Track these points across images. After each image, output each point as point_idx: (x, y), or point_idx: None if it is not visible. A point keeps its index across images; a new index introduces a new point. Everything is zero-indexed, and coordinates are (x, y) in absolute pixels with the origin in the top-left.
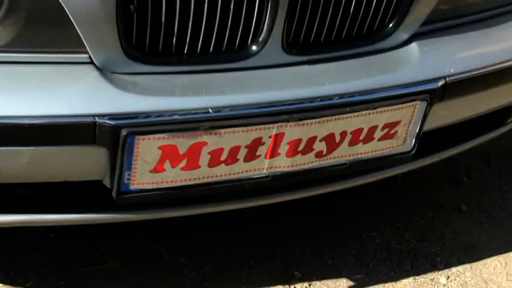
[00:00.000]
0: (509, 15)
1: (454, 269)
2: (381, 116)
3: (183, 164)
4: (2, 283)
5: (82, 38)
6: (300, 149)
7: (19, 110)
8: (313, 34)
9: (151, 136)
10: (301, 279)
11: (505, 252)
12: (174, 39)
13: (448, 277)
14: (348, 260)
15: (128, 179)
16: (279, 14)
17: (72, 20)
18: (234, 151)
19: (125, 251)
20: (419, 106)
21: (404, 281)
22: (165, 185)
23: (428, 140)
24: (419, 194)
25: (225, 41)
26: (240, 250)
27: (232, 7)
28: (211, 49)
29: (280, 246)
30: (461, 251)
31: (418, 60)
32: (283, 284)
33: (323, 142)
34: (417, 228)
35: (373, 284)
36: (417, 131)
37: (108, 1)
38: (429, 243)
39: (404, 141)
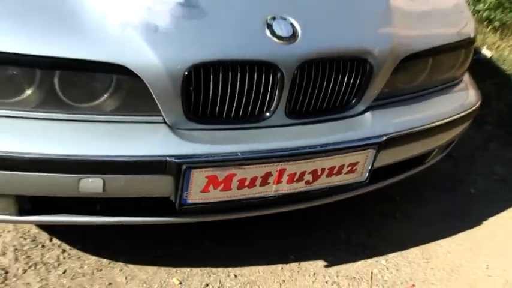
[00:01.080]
0: (428, 95)
1: (390, 255)
2: (346, 159)
3: (221, 187)
4: (106, 258)
5: (159, 107)
6: (295, 178)
7: (119, 152)
8: (305, 106)
9: (201, 169)
10: (294, 260)
11: (422, 244)
12: (217, 108)
13: (387, 260)
14: (324, 248)
15: (186, 196)
16: (283, 94)
17: (154, 96)
18: (253, 179)
19: (186, 241)
20: (371, 153)
21: (359, 262)
22: (209, 201)
23: (377, 173)
24: (369, 206)
25: (249, 110)
26: (252, 243)
27: (254, 91)
28: (240, 115)
29: (278, 241)
30: (395, 243)
31: (371, 123)
32: (281, 263)
33: (310, 174)
34: (367, 229)
35: (339, 264)
36: (370, 168)
37: (176, 85)
38: (375, 238)
39: (361, 174)
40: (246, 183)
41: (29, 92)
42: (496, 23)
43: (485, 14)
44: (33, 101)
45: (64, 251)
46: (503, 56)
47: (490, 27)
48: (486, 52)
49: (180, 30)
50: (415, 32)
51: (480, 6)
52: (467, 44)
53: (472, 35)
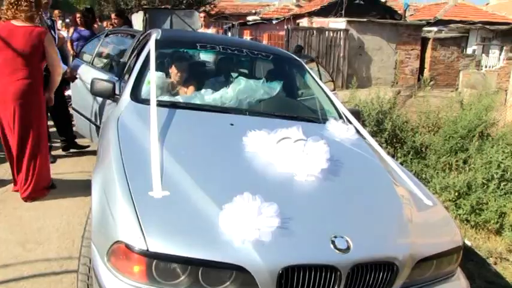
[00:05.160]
0: (434, 283)
1: None
2: None
3: None
4: None
5: None
6: None
7: None
8: None
9: None
10: None
11: None
12: None
13: None
14: None
15: None
16: (341, 285)
17: (258, 285)
18: None
19: None
20: None
21: None
22: None
23: None
24: None
25: None
26: None
27: (321, 283)
28: None
29: None
30: None
31: None
32: None
33: None
34: None
35: None
36: None
37: (273, 279)
38: None
39: None
40: None
41: (182, 278)
42: (472, 223)
43: (464, 217)
44: (184, 284)
45: None
46: (479, 245)
47: (468, 225)
48: (467, 242)
49: (277, 244)
50: (423, 242)
51: (460, 211)
52: (458, 249)
53: (460, 243)
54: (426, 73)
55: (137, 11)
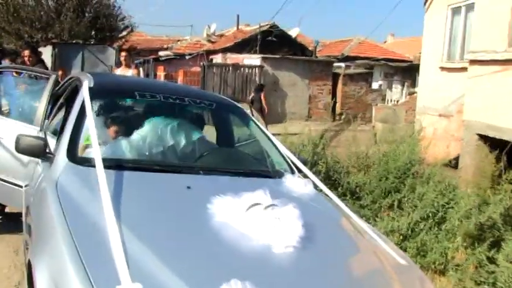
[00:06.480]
0: None
1: None
2: None
3: None
4: None
5: None
6: None
7: None
8: None
9: None
10: None
11: None
12: None
13: None
14: None
15: None
16: None
17: None
18: None
19: None
20: None
21: None
22: None
23: None
24: None
25: None
26: None
27: None
28: None
29: None
30: None
31: None
32: None
33: None
34: None
35: None
36: None
37: None
38: None
39: None
40: None
41: None
42: (419, 265)
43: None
44: None
45: None
46: None
47: None
48: None
49: None
50: None
51: (406, 254)
52: None
53: None
54: (338, 107)
55: (45, 45)
